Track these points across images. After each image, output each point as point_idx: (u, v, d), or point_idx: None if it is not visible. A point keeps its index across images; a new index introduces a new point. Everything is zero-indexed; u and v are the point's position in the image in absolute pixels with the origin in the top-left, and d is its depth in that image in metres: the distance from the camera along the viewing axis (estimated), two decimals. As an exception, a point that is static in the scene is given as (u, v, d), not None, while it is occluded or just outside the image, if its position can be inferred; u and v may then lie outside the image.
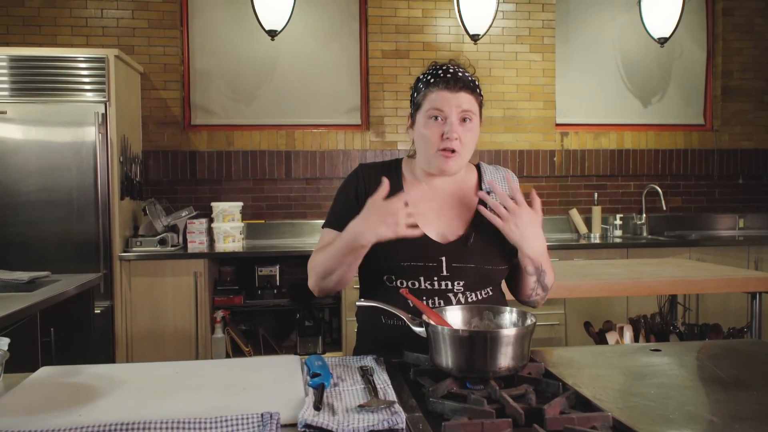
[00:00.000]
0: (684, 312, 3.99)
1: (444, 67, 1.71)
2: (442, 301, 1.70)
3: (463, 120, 1.69)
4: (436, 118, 1.69)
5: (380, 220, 1.56)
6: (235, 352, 4.42)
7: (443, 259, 1.72)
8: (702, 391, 1.42)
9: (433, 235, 1.75)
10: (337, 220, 1.79)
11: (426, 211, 1.78)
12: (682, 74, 5.54)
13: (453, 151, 1.69)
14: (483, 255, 1.75)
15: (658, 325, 3.34)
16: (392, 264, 1.72)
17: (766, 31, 5.51)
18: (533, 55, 5.21)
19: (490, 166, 1.90)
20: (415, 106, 1.75)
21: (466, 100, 1.68)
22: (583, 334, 3.60)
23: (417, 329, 1.50)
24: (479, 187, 1.85)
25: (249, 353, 4.42)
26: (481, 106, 1.74)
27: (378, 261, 1.73)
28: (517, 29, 5.18)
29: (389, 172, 1.83)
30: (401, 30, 5.06)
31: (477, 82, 1.74)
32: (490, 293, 1.77)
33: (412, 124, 1.78)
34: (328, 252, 1.68)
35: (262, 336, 4.68)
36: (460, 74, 1.69)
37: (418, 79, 1.77)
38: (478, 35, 4.87)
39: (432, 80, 1.70)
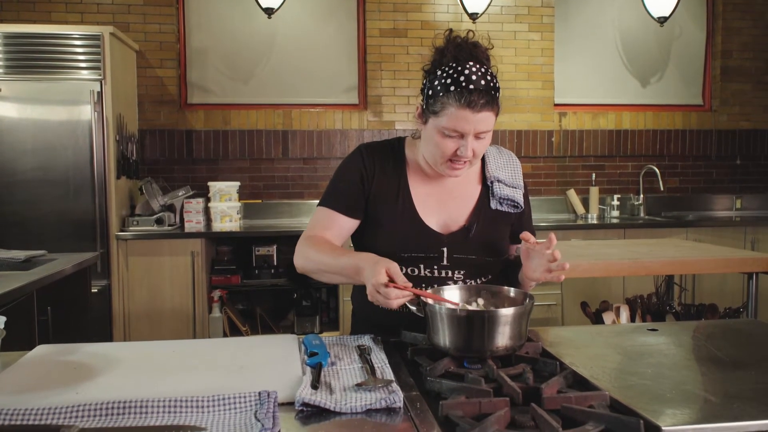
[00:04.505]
0: (680, 292, 4.01)
1: (466, 72, 1.54)
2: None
3: (479, 137, 1.60)
4: (452, 136, 1.59)
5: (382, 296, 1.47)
6: (233, 331, 4.43)
7: (444, 250, 1.72)
8: (699, 370, 1.42)
9: (435, 226, 1.73)
10: (337, 199, 1.76)
11: (428, 200, 1.76)
12: (682, 54, 5.50)
13: (464, 161, 1.63)
14: (484, 246, 1.74)
15: (655, 305, 3.35)
16: (392, 253, 1.69)
17: (766, 10, 5.47)
18: (532, 35, 5.17)
19: (493, 147, 1.85)
20: (430, 108, 1.60)
21: (485, 119, 1.56)
22: (579, 314, 3.61)
23: (413, 307, 1.49)
24: (482, 175, 1.82)
25: (246, 333, 4.43)
26: (498, 112, 1.61)
27: (378, 249, 1.71)
28: (516, 8, 5.14)
29: (393, 155, 1.79)
30: (399, 8, 5.02)
31: (497, 83, 1.59)
32: (490, 278, 1.77)
33: (423, 119, 1.65)
34: (331, 263, 1.64)
35: (260, 315, 4.69)
36: (482, 84, 1.54)
37: (434, 73, 1.61)
38: (477, 14, 4.83)
39: (452, 87, 1.54)
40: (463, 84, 1.54)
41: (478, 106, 1.54)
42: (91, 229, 4.13)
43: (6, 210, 4.04)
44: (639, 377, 1.33)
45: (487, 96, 1.55)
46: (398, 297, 1.44)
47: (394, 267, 1.47)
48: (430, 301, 1.45)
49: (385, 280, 1.44)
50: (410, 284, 1.45)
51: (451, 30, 1.67)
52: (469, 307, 1.53)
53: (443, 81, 1.57)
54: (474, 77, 1.54)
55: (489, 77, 1.57)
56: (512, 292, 1.55)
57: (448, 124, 1.57)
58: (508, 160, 1.84)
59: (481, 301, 1.55)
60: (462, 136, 1.58)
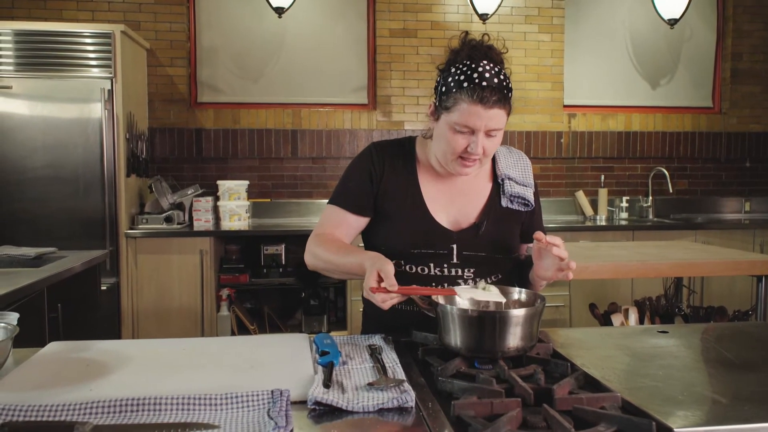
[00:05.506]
0: (689, 294, 3.99)
1: (480, 70, 1.56)
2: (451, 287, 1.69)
3: (490, 135, 1.61)
4: (462, 132, 1.60)
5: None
6: (241, 330, 4.44)
7: (454, 247, 1.72)
8: (709, 372, 1.41)
9: (445, 222, 1.74)
10: (346, 198, 1.78)
11: (438, 197, 1.76)
12: (692, 56, 5.49)
13: (474, 159, 1.63)
14: (494, 243, 1.74)
15: (664, 307, 3.35)
16: (402, 250, 1.72)
17: (778, 13, 5.45)
18: (542, 36, 5.16)
19: (503, 147, 1.85)
20: (442, 104, 1.61)
21: (496, 116, 1.57)
22: (587, 316, 3.60)
23: (421, 303, 1.49)
24: (493, 173, 1.82)
25: (254, 331, 4.44)
26: (510, 112, 1.62)
27: (388, 246, 1.72)
28: (526, 9, 5.13)
29: (403, 153, 1.80)
30: (409, 9, 5.02)
31: (510, 83, 1.60)
32: (500, 276, 1.77)
33: (435, 116, 1.66)
34: (338, 261, 1.66)
35: (267, 314, 4.69)
36: (495, 82, 1.55)
37: (448, 70, 1.62)
38: (487, 14, 4.82)
39: (465, 84, 1.55)
40: (476, 80, 1.55)
41: (490, 102, 1.55)
42: (100, 227, 4.14)
43: (16, 207, 4.07)
44: (650, 379, 1.33)
45: (500, 93, 1.56)
46: (385, 300, 1.45)
47: (387, 269, 1.46)
48: (441, 300, 1.46)
49: (374, 284, 1.44)
50: (396, 287, 1.44)
51: (467, 32, 1.68)
52: (478, 291, 1.53)
53: (457, 77, 1.58)
54: (487, 75, 1.55)
55: (502, 77, 1.58)
56: (523, 293, 1.55)
57: (460, 119, 1.57)
58: (518, 158, 1.84)
59: (493, 288, 1.55)
60: (473, 132, 1.58)
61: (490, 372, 1.30)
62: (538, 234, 1.54)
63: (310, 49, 5.04)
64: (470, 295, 1.52)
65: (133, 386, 1.28)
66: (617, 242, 4.07)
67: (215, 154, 4.92)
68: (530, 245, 1.62)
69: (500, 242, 1.76)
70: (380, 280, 1.45)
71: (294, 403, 1.19)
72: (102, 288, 3.77)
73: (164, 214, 4.37)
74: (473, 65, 1.57)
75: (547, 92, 5.20)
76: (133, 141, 4.35)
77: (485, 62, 1.58)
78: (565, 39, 5.22)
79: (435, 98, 1.67)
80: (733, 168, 5.52)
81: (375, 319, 1.82)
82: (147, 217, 4.34)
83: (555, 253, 1.50)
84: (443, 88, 1.62)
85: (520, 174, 1.81)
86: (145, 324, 4.24)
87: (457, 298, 1.54)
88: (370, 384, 1.25)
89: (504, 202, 1.78)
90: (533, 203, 1.81)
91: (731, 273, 3.14)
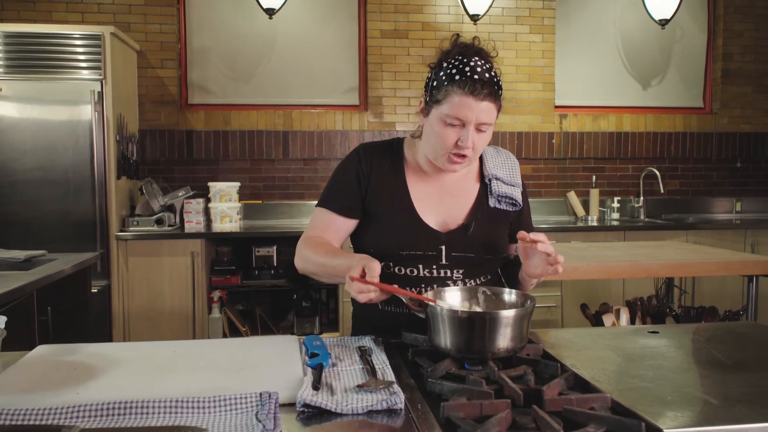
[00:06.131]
0: (680, 295, 4.00)
1: (471, 64, 1.57)
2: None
3: (480, 129, 1.61)
4: (453, 124, 1.60)
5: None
6: (232, 332, 4.42)
7: (443, 248, 1.71)
8: (700, 372, 1.42)
9: (433, 224, 1.73)
10: (334, 200, 1.78)
11: (426, 198, 1.76)
12: (683, 57, 5.50)
13: (463, 156, 1.63)
14: (483, 244, 1.74)
15: (655, 307, 3.35)
16: (391, 252, 1.71)
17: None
18: (533, 36, 5.17)
19: (491, 148, 1.85)
20: (433, 98, 1.61)
21: (487, 109, 1.57)
22: (579, 317, 3.61)
23: (411, 304, 1.49)
24: (481, 174, 1.82)
25: (246, 333, 4.43)
26: (500, 109, 1.63)
27: (376, 248, 1.72)
28: (517, 9, 5.14)
29: (390, 154, 1.80)
30: (400, 9, 5.02)
31: (500, 81, 1.61)
32: (489, 277, 1.77)
33: (425, 112, 1.66)
34: (326, 264, 1.66)
35: (259, 316, 4.68)
36: (486, 77, 1.56)
37: (440, 65, 1.63)
38: (478, 15, 4.83)
39: (457, 77, 1.56)
40: (468, 73, 1.56)
41: (481, 95, 1.55)
42: (91, 229, 4.12)
43: (6, 210, 4.04)
44: (640, 379, 1.33)
45: (490, 88, 1.57)
46: (362, 291, 1.44)
47: (372, 265, 1.45)
48: (430, 302, 1.46)
49: (355, 274, 1.45)
50: (377, 280, 1.44)
51: (458, 35, 1.69)
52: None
53: (449, 71, 1.59)
54: (479, 69, 1.57)
55: (493, 73, 1.60)
56: (513, 293, 1.55)
57: (451, 111, 1.57)
58: (505, 158, 1.85)
59: (481, 296, 1.55)
60: (463, 125, 1.58)
61: (480, 373, 1.30)
62: (521, 233, 1.53)
63: (301, 50, 5.03)
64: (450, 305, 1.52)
65: (122, 389, 1.27)
66: (609, 242, 4.08)
67: (206, 155, 4.90)
68: (518, 245, 1.62)
69: (489, 243, 1.75)
70: (364, 274, 1.45)
71: (283, 405, 1.18)
72: (92, 291, 3.75)
73: (155, 216, 4.35)
74: (465, 59, 1.59)
75: (538, 93, 5.20)
76: (123, 143, 4.33)
77: (476, 58, 1.60)
78: (556, 40, 5.23)
79: (426, 94, 1.66)
80: (724, 168, 5.54)
81: (365, 321, 1.82)
82: (138, 219, 4.33)
83: (540, 249, 1.49)
84: (434, 83, 1.62)
85: (508, 174, 1.81)
86: (137, 326, 4.22)
87: (448, 299, 1.54)
88: (359, 386, 1.25)
89: (492, 203, 1.77)
90: (521, 203, 1.81)
91: (722, 273, 3.15)
